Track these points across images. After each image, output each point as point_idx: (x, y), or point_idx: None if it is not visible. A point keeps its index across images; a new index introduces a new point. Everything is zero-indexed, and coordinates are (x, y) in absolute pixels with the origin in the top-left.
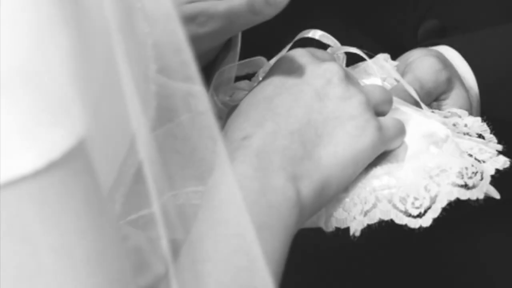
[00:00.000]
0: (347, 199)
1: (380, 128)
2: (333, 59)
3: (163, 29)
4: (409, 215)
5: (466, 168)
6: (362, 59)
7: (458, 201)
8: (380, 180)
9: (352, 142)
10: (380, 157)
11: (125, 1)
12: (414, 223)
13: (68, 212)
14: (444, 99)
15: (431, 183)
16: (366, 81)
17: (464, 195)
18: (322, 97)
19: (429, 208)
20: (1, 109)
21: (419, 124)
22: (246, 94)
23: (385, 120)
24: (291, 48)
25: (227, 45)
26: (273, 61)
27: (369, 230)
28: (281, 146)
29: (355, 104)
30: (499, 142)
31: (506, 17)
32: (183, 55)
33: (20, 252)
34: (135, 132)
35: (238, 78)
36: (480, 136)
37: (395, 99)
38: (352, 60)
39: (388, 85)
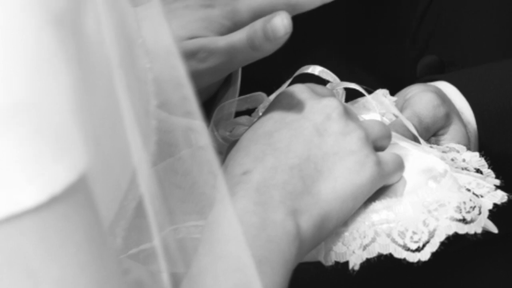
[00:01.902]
0: (346, 233)
1: (379, 163)
2: (332, 94)
3: (164, 65)
4: (408, 249)
5: (464, 203)
6: (361, 95)
7: (456, 235)
8: (379, 214)
9: (351, 177)
10: (379, 192)
11: (126, 37)
12: (412, 257)
13: (69, 246)
14: (442, 134)
15: (429, 217)
16: (365, 116)
17: (462, 229)
18: (321, 132)
19: (427, 242)
20: (3, 144)
21: (418, 159)
22: (246, 129)
23: (384, 155)
24: (290, 84)
25: (227, 80)
26: (273, 96)
27: (368, 264)
28: (281, 180)
29: (354, 139)
30: (497, 177)
31: (504, 53)
32: (183, 91)
33: (22, 286)
34: (136, 166)
35: (238, 114)
36: (478, 171)
37: (394, 134)
38: (351, 95)
39: (387, 120)
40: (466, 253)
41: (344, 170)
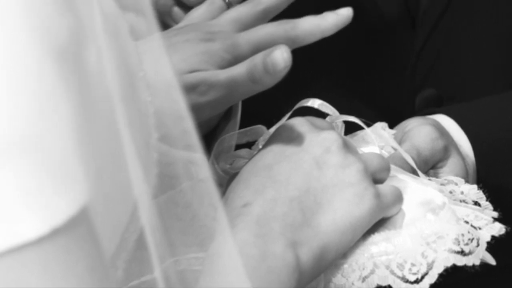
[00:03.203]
0: (345, 265)
1: (378, 196)
2: (331, 127)
3: (164, 98)
4: (407, 281)
5: (463, 235)
6: (361, 128)
7: (454, 267)
8: (378, 246)
9: (350, 209)
10: (378, 224)
11: (128, 70)
12: None
13: (71, 278)
14: (441, 167)
15: (428, 249)
16: (364, 149)
17: (461, 261)
18: (321, 165)
19: (426, 274)
20: (5, 177)
21: (416, 191)
22: (246, 162)
23: (383, 187)
24: (290, 117)
25: (228, 113)
26: (272, 129)
27: None
28: (280, 213)
29: (353, 172)
30: (495, 209)
31: (503, 86)
32: (184, 124)
33: None
34: (137, 199)
35: (238, 146)
36: (476, 203)
37: (392, 167)
38: (351, 128)
39: (386, 153)
40: (465, 285)
41: (344, 202)
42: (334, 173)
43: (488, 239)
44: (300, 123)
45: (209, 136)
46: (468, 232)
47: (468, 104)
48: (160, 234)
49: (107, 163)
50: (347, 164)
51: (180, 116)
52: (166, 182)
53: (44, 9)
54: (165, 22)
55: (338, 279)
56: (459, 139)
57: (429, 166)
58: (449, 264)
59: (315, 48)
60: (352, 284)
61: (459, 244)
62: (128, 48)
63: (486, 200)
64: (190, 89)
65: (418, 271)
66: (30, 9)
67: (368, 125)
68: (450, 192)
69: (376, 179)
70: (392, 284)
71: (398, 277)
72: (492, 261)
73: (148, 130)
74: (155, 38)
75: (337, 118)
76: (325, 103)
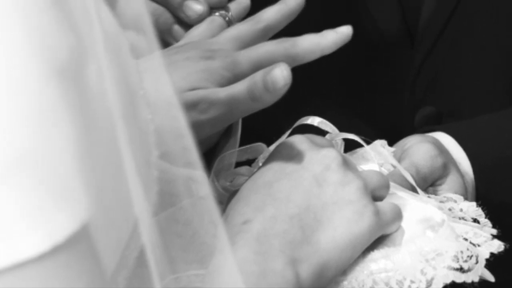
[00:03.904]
0: (345, 282)
1: (377, 213)
2: (331, 145)
3: (165, 116)
4: None
5: (462, 252)
6: (360, 145)
7: (454, 284)
8: (378, 263)
9: (350, 226)
10: (378, 241)
11: (128, 88)
12: None
13: None
14: (440, 184)
15: (427, 266)
16: (364, 167)
17: (460, 278)
18: (321, 183)
19: None
20: (6, 194)
21: (416, 208)
22: (246, 180)
23: (382, 205)
24: (290, 135)
25: (228, 131)
26: (272, 147)
27: None
28: (280, 230)
29: (353, 190)
30: (493, 226)
31: (501, 104)
32: (184, 141)
33: None
34: (138, 216)
35: (238, 164)
36: (475, 220)
37: (392, 184)
38: (350, 146)
39: (385, 171)
40: None
41: (343, 219)
42: (334, 190)
43: (487, 256)
44: (300, 141)
45: (209, 154)
46: (467, 249)
47: (467, 122)
48: (160, 251)
49: (108, 180)
50: (346, 182)
51: (180, 134)
52: (166, 200)
53: (45, 27)
54: (166, 40)
55: None
56: (458, 156)
57: (428, 184)
58: (448, 281)
59: (314, 66)
60: None
61: (458, 261)
62: (128, 66)
63: (485, 217)
64: (190, 107)
65: None
66: (32, 28)
67: (368, 143)
68: (449, 210)
69: (376, 197)
70: None
71: None
72: (491, 278)
73: (148, 147)
74: (156, 56)
75: (337, 135)
76: (324, 120)
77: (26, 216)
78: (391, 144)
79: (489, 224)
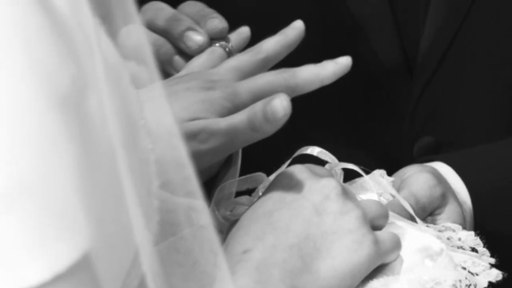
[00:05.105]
0: None
1: (376, 242)
2: (331, 175)
3: (165, 146)
4: None
5: (460, 281)
6: (359, 175)
7: None
8: None
9: (349, 255)
10: (377, 270)
11: (129, 118)
12: None
13: None
14: (438, 214)
15: None
16: (363, 196)
17: None
18: (320, 212)
19: None
20: (7, 223)
21: (414, 238)
22: (247, 209)
23: (381, 234)
24: (290, 164)
25: (228, 161)
26: (272, 177)
27: None
28: (280, 259)
29: (352, 219)
30: (492, 256)
31: (501, 134)
32: (185, 171)
33: None
34: (139, 245)
35: (238, 193)
36: (474, 249)
37: (391, 213)
38: (350, 175)
39: (384, 200)
40: None
41: (343, 248)
42: (333, 219)
43: (485, 285)
44: (299, 171)
45: (210, 183)
46: (466, 278)
47: (465, 152)
48: (161, 281)
49: (109, 210)
50: (346, 211)
51: (181, 164)
52: (167, 229)
53: (47, 58)
54: (166, 71)
55: None
56: (457, 186)
57: (427, 213)
58: None
59: (314, 96)
60: None
61: None
62: (129, 96)
63: (483, 247)
64: (191, 137)
65: None
66: (33, 57)
67: (367, 173)
68: (448, 239)
69: (375, 226)
70: None
71: None
72: None
73: (149, 177)
74: (157, 86)
75: (336, 165)
76: (324, 150)
77: (27, 245)
78: (390, 174)
79: (487, 253)
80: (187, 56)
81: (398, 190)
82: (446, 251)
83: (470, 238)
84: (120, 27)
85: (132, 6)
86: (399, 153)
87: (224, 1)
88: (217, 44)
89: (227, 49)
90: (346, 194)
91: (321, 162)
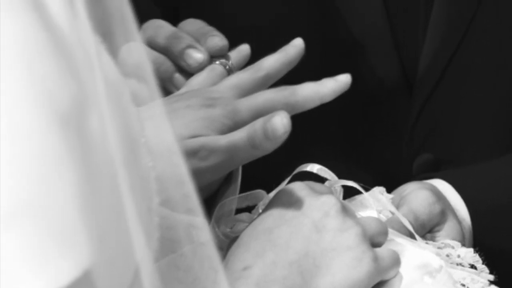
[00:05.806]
0: None
1: (376, 259)
2: (330, 192)
3: (166, 163)
4: None
5: None
6: (359, 192)
7: None
8: None
9: (349, 272)
10: (376, 287)
11: (130, 136)
12: None
13: None
14: (437, 231)
15: None
16: (363, 213)
17: None
18: (320, 229)
19: None
20: (8, 241)
21: (414, 255)
22: (247, 226)
23: (380, 251)
24: (290, 182)
25: (228, 178)
26: (272, 194)
27: None
28: (280, 276)
29: (352, 236)
30: (491, 272)
31: (500, 152)
32: (185, 188)
33: None
34: (139, 262)
35: (238, 210)
36: (473, 266)
37: (390, 230)
38: (349, 193)
39: (383, 217)
40: None
41: (342, 265)
42: (333, 236)
43: None
44: (299, 188)
45: (210, 200)
46: None
47: (465, 169)
48: None
49: (110, 227)
50: (345, 228)
51: (181, 181)
52: (167, 246)
53: (47, 75)
54: (167, 88)
55: None
56: (456, 203)
57: (426, 230)
58: None
59: (314, 113)
60: None
61: None
62: (130, 114)
63: (482, 263)
64: (191, 154)
65: None
66: (34, 75)
67: (366, 190)
68: (447, 256)
69: (374, 243)
70: None
71: None
72: None
73: (149, 194)
74: (157, 104)
75: (336, 182)
76: (323, 168)
77: (28, 263)
78: (389, 191)
79: (487, 270)
80: (187, 73)
81: (398, 207)
82: (445, 268)
83: (469, 255)
84: (120, 45)
85: (132, 24)
86: (399, 170)
87: (224, 19)
88: (217, 62)
89: (227, 66)
90: (346, 211)
91: (321, 179)
